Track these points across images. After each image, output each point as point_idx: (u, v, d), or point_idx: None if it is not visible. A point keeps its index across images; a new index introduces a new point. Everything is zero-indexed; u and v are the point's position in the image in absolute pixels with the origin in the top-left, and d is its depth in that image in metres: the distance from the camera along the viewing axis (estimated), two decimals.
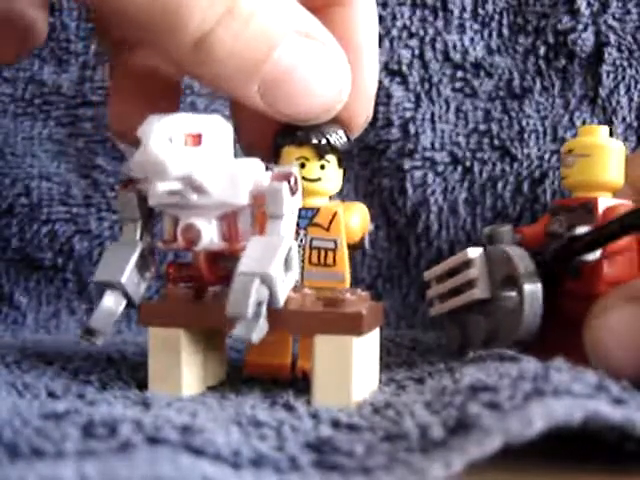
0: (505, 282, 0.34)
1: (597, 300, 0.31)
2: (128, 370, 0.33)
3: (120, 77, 0.36)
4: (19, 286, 0.50)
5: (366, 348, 0.30)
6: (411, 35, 0.51)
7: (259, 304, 0.27)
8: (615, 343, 0.29)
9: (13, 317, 0.49)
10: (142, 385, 0.31)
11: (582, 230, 0.33)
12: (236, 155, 0.30)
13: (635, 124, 0.48)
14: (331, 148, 0.32)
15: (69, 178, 0.50)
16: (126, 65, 0.36)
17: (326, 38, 0.30)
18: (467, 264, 0.35)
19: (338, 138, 0.32)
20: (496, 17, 0.51)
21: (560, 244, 0.34)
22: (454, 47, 0.50)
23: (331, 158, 0.32)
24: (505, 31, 0.50)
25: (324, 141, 0.32)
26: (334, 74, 0.30)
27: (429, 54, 0.50)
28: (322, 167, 0.32)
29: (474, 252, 0.35)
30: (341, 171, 0.33)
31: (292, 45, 0.29)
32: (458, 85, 0.50)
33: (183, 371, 0.30)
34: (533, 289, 0.33)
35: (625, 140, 0.48)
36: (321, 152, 0.32)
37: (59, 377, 0.32)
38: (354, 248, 0.34)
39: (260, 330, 0.27)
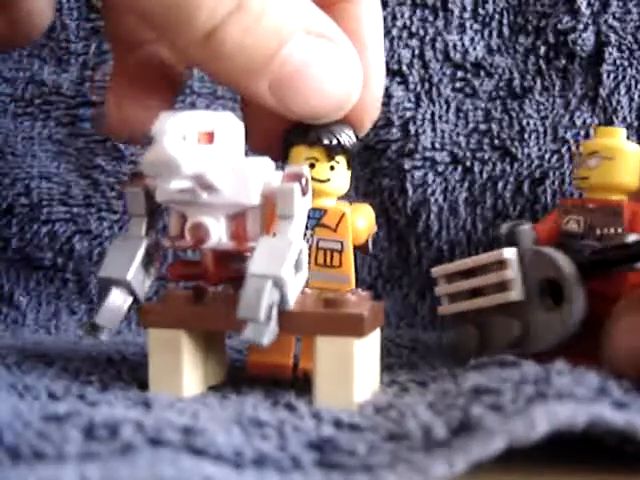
0: (545, 285, 0.33)
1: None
2: (129, 371, 0.33)
3: (120, 69, 0.36)
4: (19, 286, 0.50)
5: (367, 349, 0.30)
6: (411, 35, 0.51)
7: (270, 307, 0.27)
8: (624, 349, 0.28)
9: (13, 317, 0.49)
10: (143, 385, 0.31)
11: (632, 238, 0.33)
12: (246, 153, 0.29)
13: (636, 124, 0.48)
14: (342, 149, 0.32)
15: (69, 178, 0.50)
16: (128, 61, 0.35)
17: (338, 36, 0.30)
18: (500, 264, 0.34)
19: (348, 139, 0.32)
20: (496, 17, 0.50)
21: (602, 249, 0.33)
22: (454, 47, 0.50)
23: (341, 159, 0.32)
24: (505, 31, 0.50)
25: (335, 142, 0.32)
26: (346, 72, 0.30)
27: (429, 54, 0.50)
28: (332, 168, 0.32)
29: (510, 252, 0.34)
30: (350, 172, 0.33)
31: (303, 42, 0.29)
32: (458, 85, 0.50)
33: (184, 371, 0.30)
34: (578, 295, 0.32)
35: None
36: (332, 153, 0.32)
37: (60, 378, 0.32)
38: (358, 250, 0.34)
39: (271, 333, 0.27)
